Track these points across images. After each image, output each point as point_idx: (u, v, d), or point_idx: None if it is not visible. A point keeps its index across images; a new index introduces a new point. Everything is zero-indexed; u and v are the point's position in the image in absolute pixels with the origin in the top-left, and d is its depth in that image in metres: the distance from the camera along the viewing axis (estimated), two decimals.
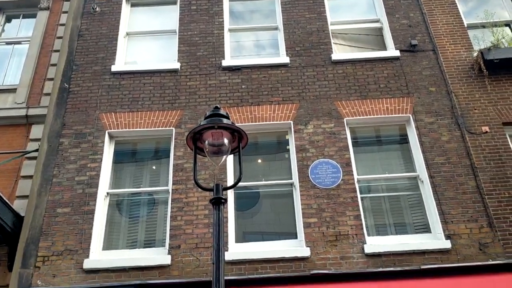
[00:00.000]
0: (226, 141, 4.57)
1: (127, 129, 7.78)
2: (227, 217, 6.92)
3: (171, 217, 6.94)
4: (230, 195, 7.23)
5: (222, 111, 4.65)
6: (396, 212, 7.28)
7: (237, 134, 4.59)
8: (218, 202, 4.27)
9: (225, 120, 4.52)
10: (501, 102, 7.74)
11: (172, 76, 8.33)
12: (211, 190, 4.36)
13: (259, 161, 7.97)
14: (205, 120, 4.53)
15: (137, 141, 8.02)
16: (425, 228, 6.96)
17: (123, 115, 7.90)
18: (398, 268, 6.12)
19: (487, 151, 7.26)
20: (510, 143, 7.41)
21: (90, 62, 8.56)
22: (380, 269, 6.18)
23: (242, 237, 7.04)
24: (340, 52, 8.73)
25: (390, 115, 7.76)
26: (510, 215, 6.71)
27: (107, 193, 7.35)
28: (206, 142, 4.53)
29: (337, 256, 6.53)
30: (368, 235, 6.85)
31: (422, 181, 7.20)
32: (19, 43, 9.34)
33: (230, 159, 7.47)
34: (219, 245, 4.03)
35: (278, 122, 7.79)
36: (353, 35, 9.12)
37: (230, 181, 7.28)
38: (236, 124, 7.68)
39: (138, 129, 7.78)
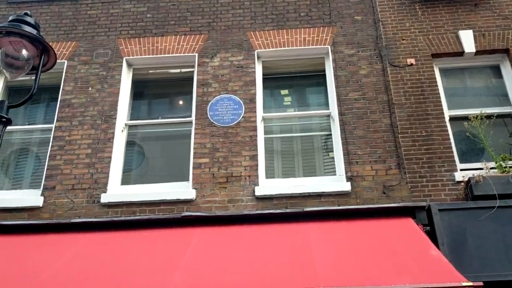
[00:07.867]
0: (25, 53, 3.83)
1: None
2: (110, 157, 6.23)
3: (49, 156, 6.28)
4: (121, 134, 6.53)
5: (30, 19, 3.90)
6: (304, 153, 6.52)
7: (40, 47, 3.86)
8: None
9: (27, 28, 3.79)
10: (433, 31, 6.76)
11: (72, 5, 7.49)
12: None
13: (164, 98, 7.22)
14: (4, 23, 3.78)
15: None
16: (332, 170, 6.20)
17: None
18: (278, 211, 5.39)
19: (409, 86, 6.37)
20: (437, 76, 6.51)
21: None
22: (257, 212, 5.46)
23: (129, 179, 6.37)
24: None
25: (306, 47, 6.86)
26: (423, 156, 5.88)
27: None
28: (1, 50, 3.78)
29: (225, 199, 5.84)
30: (266, 177, 6.14)
31: (334, 119, 6.39)
32: None
33: (125, 97, 6.76)
34: None
35: (181, 54, 6.96)
36: None
37: (120, 119, 6.56)
38: (135, 57, 7.04)
39: None
